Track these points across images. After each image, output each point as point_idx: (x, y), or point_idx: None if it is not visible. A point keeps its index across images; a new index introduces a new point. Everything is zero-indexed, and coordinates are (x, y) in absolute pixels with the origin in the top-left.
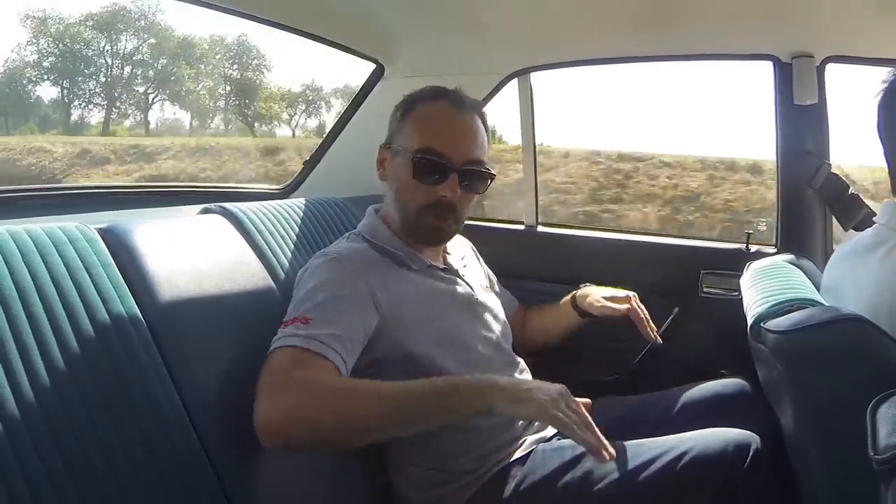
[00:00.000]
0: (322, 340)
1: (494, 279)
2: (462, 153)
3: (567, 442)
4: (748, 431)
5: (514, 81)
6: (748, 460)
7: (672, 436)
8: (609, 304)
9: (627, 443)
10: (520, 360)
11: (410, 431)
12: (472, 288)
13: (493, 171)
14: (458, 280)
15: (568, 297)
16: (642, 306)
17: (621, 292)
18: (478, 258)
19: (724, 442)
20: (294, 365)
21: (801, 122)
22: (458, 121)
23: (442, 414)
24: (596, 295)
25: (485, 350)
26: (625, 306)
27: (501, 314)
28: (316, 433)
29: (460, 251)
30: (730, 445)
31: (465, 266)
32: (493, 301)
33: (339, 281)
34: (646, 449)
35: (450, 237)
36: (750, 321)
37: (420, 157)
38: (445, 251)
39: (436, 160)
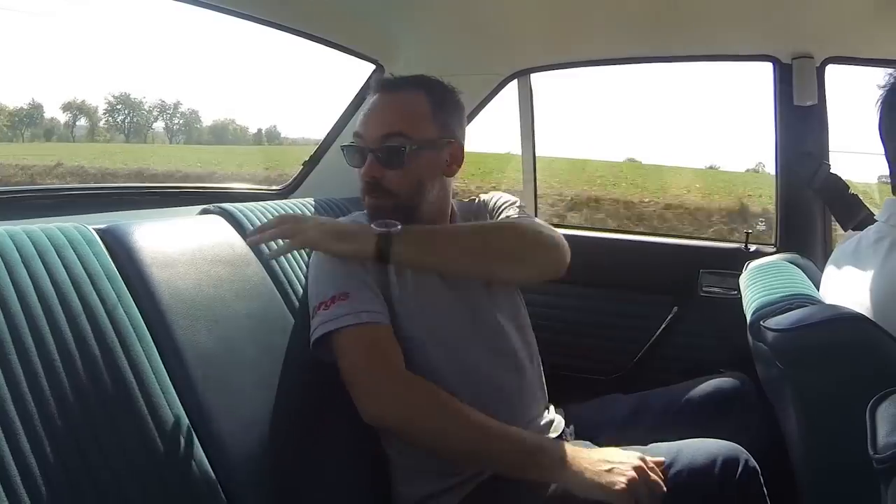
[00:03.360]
0: (370, 309)
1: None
2: (374, 132)
3: None
4: (738, 445)
5: (514, 82)
6: (738, 475)
7: (662, 444)
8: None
9: (622, 448)
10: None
11: (492, 469)
12: None
13: (411, 147)
14: None
15: None
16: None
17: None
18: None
19: (713, 456)
20: (368, 348)
21: (801, 123)
22: (379, 101)
23: (526, 470)
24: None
25: (470, 332)
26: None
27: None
28: (425, 441)
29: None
30: (718, 459)
31: None
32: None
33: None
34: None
35: (393, 216)
36: (749, 319)
37: (347, 144)
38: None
39: (354, 144)
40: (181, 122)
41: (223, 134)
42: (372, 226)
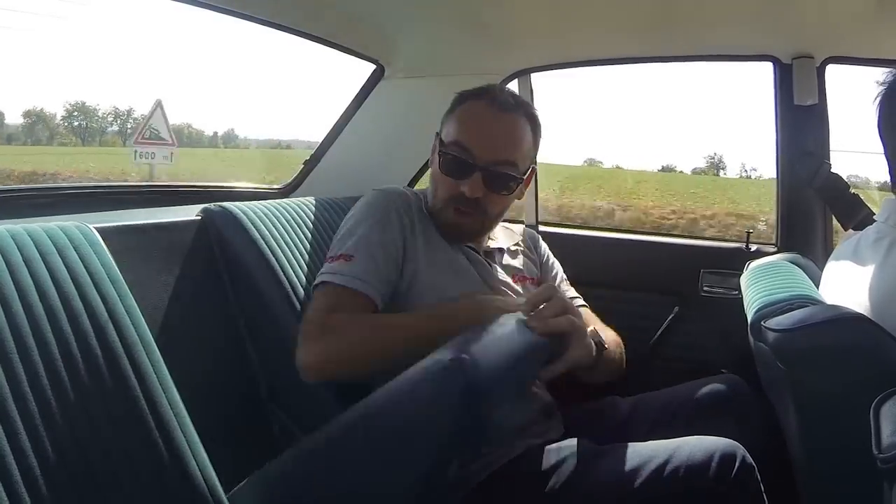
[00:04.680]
0: (363, 278)
1: (553, 274)
2: (490, 152)
3: (555, 445)
4: (735, 442)
5: (514, 82)
6: (735, 471)
7: (659, 442)
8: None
9: (615, 446)
10: None
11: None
12: (494, 270)
13: (520, 176)
14: (484, 262)
15: None
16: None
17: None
18: (532, 253)
19: (710, 452)
20: (333, 306)
21: (801, 123)
22: (493, 119)
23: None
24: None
25: None
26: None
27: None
28: (350, 372)
29: (511, 240)
30: (715, 455)
31: (504, 254)
32: (521, 290)
33: (384, 215)
34: (633, 454)
35: (471, 235)
36: (750, 320)
37: (447, 151)
38: (489, 237)
39: (460, 156)
40: (135, 126)
41: (179, 137)
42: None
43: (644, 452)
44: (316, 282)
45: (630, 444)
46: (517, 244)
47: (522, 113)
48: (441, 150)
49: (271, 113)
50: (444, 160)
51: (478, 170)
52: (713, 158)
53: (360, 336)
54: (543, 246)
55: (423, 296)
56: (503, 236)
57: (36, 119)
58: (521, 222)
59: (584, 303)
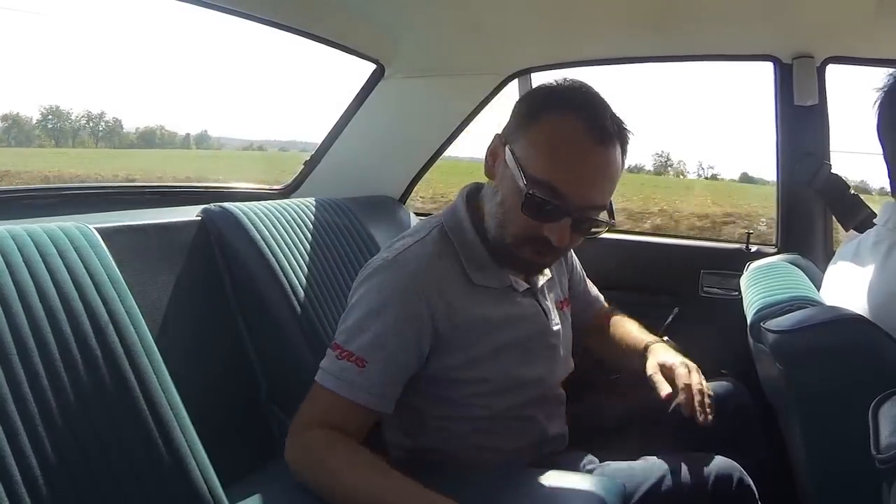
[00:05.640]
0: (377, 393)
1: (580, 280)
2: (585, 197)
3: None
4: (731, 461)
5: (514, 82)
6: (732, 491)
7: (654, 458)
8: (657, 379)
9: (610, 464)
10: (561, 392)
11: None
12: (548, 315)
13: (612, 221)
14: (536, 305)
15: (640, 345)
16: (701, 387)
17: (683, 369)
18: (564, 262)
19: (706, 472)
20: (340, 419)
21: (802, 123)
22: (593, 155)
23: None
24: (656, 359)
25: (535, 391)
26: (666, 392)
27: (569, 337)
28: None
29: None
30: (711, 476)
31: (547, 281)
32: (565, 325)
33: (399, 310)
34: (624, 476)
35: (542, 271)
36: (750, 321)
37: (534, 192)
38: None
39: (551, 201)
40: (106, 128)
41: (151, 138)
42: None
43: (638, 472)
44: (318, 377)
45: (626, 462)
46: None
47: (619, 142)
48: (527, 190)
49: (246, 114)
50: (529, 202)
51: (568, 215)
52: (661, 156)
53: (332, 481)
54: (582, 273)
55: (466, 362)
56: None
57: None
58: None
59: (602, 303)
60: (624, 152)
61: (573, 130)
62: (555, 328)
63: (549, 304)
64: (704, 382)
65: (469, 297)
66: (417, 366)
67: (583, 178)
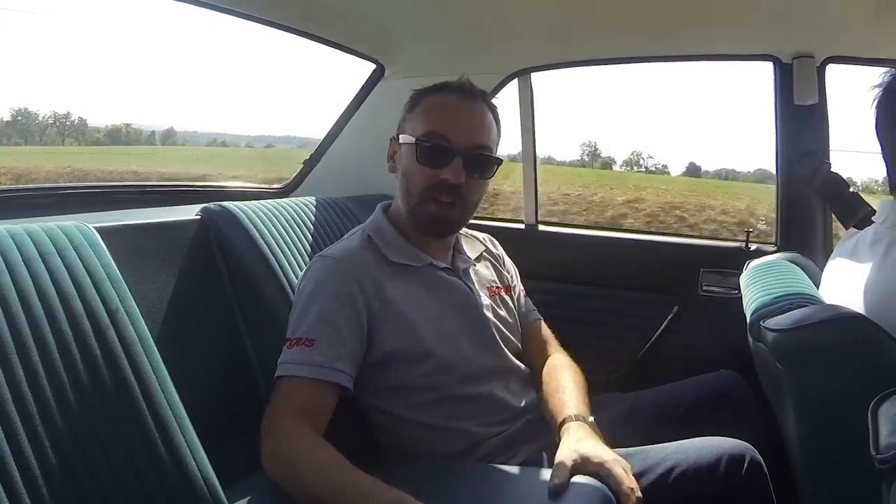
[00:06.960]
0: (329, 366)
1: (515, 284)
2: (467, 137)
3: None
4: (743, 442)
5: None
6: (743, 472)
7: (665, 445)
8: (561, 469)
9: (618, 451)
10: (520, 366)
11: None
12: (472, 289)
13: (498, 157)
14: (458, 281)
15: (558, 417)
16: (640, 494)
17: (618, 469)
18: (495, 260)
19: (718, 454)
20: (302, 402)
21: (802, 122)
22: (464, 106)
23: None
24: (573, 446)
25: (471, 346)
26: (559, 484)
27: (511, 319)
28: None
29: (475, 251)
30: (724, 457)
31: (473, 267)
32: (499, 304)
33: (333, 288)
34: (637, 460)
35: (454, 227)
36: (749, 319)
37: (424, 140)
38: (457, 250)
39: (440, 143)
40: (72, 127)
41: (117, 136)
42: None
43: (652, 455)
44: (277, 373)
45: (639, 447)
46: (482, 254)
47: (486, 102)
48: (418, 141)
49: (212, 108)
50: (422, 150)
51: (458, 155)
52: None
53: (306, 478)
54: (499, 247)
55: (400, 334)
56: (468, 247)
57: None
58: (522, 222)
59: (539, 315)
60: (495, 118)
61: (446, 95)
62: (484, 302)
63: (475, 285)
64: (635, 483)
65: (393, 276)
66: (361, 342)
67: (460, 122)
